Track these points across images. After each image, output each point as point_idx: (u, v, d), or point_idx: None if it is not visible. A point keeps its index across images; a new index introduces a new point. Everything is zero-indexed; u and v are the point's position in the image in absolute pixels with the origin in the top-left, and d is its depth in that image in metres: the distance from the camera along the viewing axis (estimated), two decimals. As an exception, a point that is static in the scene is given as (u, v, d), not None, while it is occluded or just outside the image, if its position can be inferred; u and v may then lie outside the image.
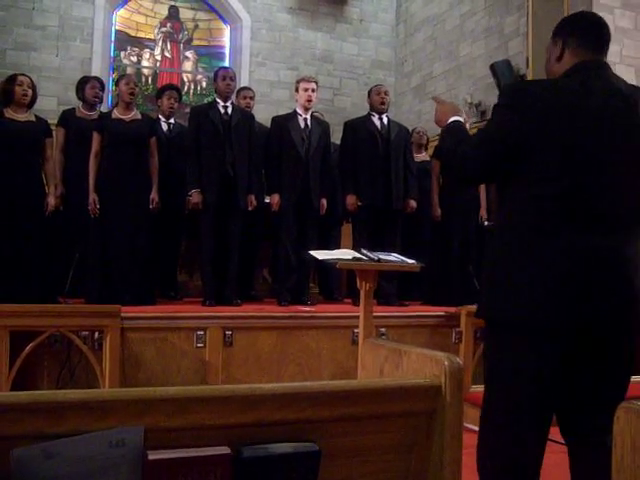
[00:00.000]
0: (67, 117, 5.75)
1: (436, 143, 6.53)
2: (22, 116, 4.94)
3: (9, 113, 4.91)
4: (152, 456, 1.15)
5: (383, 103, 5.78)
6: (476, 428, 2.07)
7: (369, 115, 5.83)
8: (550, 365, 1.97)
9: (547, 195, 1.97)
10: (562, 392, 2.04)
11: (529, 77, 5.87)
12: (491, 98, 7.04)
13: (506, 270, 2.04)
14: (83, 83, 5.95)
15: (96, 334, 4.00)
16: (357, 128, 5.76)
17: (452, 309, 5.00)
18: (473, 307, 4.94)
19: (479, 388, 3.11)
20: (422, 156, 6.51)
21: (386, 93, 5.86)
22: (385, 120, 5.79)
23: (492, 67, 2.52)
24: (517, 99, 2.06)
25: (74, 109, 5.87)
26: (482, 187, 6.11)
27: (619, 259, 1.98)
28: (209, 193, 5.16)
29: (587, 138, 1.97)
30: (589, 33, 2.15)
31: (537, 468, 2.05)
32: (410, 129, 6.48)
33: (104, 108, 6.72)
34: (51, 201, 4.97)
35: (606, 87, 2.04)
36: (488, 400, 2.08)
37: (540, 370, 1.97)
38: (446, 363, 1.41)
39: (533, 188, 1.99)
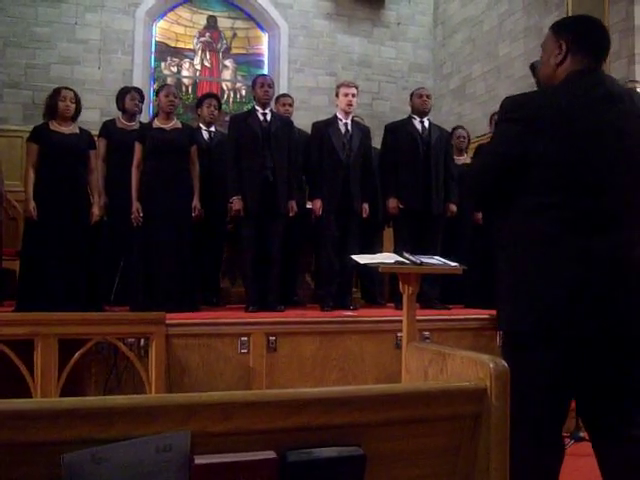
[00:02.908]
0: (108, 128, 5.84)
1: (476, 145, 6.49)
2: (67, 129, 5.02)
3: (54, 126, 5.00)
4: (198, 461, 1.16)
5: (425, 106, 5.75)
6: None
7: (410, 118, 5.80)
8: (568, 367, 1.99)
9: (549, 204, 2.00)
10: (581, 391, 2.06)
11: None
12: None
13: (516, 282, 2.08)
14: (123, 94, 6.04)
15: (142, 341, 4.05)
16: (398, 131, 5.74)
17: (495, 311, 4.94)
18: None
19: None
20: (463, 159, 6.45)
21: (428, 96, 5.82)
22: (426, 123, 5.75)
23: (532, 66, 2.51)
24: (518, 112, 2.08)
25: (114, 120, 5.96)
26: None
27: (628, 259, 1.99)
28: (250, 200, 5.19)
29: (587, 147, 1.99)
30: (592, 40, 2.16)
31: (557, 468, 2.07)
32: (450, 130, 6.44)
33: (145, 118, 6.82)
34: (96, 211, 5.04)
35: (604, 94, 2.05)
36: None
37: (558, 373, 2.00)
38: (491, 366, 1.39)
39: (536, 198, 2.02)
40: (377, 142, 6.07)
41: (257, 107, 5.42)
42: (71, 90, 5.14)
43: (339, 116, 5.66)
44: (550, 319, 1.98)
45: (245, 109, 8.44)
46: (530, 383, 2.00)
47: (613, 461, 2.03)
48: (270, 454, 1.21)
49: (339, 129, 5.60)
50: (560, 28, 2.21)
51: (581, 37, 2.15)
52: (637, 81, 6.10)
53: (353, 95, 5.63)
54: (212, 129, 6.05)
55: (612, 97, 2.04)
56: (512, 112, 2.11)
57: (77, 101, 5.11)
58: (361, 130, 5.76)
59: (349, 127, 5.64)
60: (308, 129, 5.85)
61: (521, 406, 2.05)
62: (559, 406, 2.06)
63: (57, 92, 5.08)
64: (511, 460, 2.04)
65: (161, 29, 9.39)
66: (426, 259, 3.20)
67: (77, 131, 5.09)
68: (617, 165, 2.00)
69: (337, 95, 5.72)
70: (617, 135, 2.01)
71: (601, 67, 2.15)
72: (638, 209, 2.03)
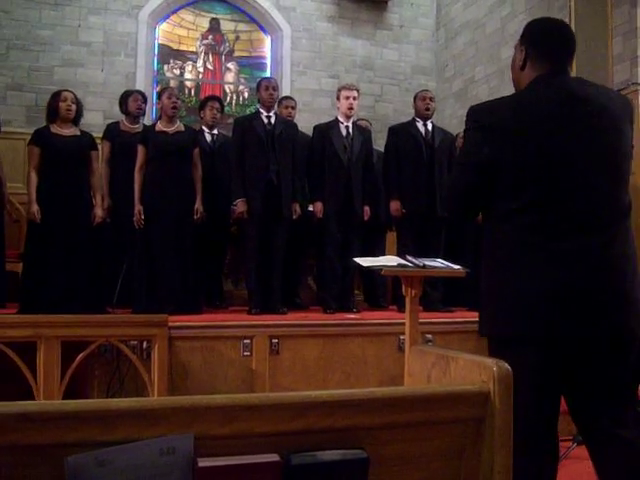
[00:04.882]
0: (112, 130, 5.85)
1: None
2: (67, 131, 5.03)
3: (55, 128, 5.01)
4: (202, 463, 1.16)
5: (428, 109, 5.75)
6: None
7: (414, 120, 5.80)
8: (551, 370, 1.99)
9: (518, 209, 2.00)
10: (570, 393, 2.06)
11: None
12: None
13: (493, 287, 2.10)
14: (126, 97, 6.05)
15: (144, 343, 4.05)
16: (401, 133, 5.74)
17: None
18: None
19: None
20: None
21: (431, 99, 5.82)
22: (430, 126, 5.75)
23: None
24: (483, 119, 2.09)
25: (118, 123, 5.97)
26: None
27: (606, 258, 1.98)
28: (254, 202, 5.20)
29: (553, 150, 1.98)
30: (550, 44, 2.16)
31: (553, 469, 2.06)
32: (455, 134, 6.42)
33: (148, 121, 6.83)
34: (98, 213, 5.05)
35: (567, 97, 2.04)
36: None
37: (541, 376, 1.99)
38: (495, 369, 1.39)
39: (508, 203, 2.02)
40: (380, 144, 6.06)
41: (261, 110, 5.43)
42: (71, 92, 5.16)
43: (340, 119, 5.67)
44: (527, 323, 1.98)
45: (247, 112, 8.44)
46: (516, 387, 1.99)
47: (605, 462, 2.02)
48: (273, 457, 1.21)
49: (340, 132, 5.61)
50: (523, 33, 2.23)
51: (537, 44, 2.16)
52: (640, 84, 6.09)
53: (354, 98, 5.63)
54: (215, 132, 6.05)
55: (577, 99, 2.03)
56: (476, 120, 2.11)
57: (77, 103, 5.12)
58: (362, 133, 5.76)
59: (350, 130, 5.64)
60: (311, 132, 5.85)
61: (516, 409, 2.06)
62: (546, 409, 2.05)
63: (57, 94, 5.11)
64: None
65: (164, 32, 9.39)
66: (429, 262, 3.20)
67: (78, 133, 5.10)
68: (587, 166, 1.99)
69: (338, 98, 5.73)
70: (584, 137, 2.00)
71: (566, 70, 2.14)
72: (613, 209, 2.02)
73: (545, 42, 2.16)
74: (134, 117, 5.95)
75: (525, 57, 2.17)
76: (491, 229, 2.11)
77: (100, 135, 5.79)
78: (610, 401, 2.01)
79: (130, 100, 5.96)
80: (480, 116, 2.11)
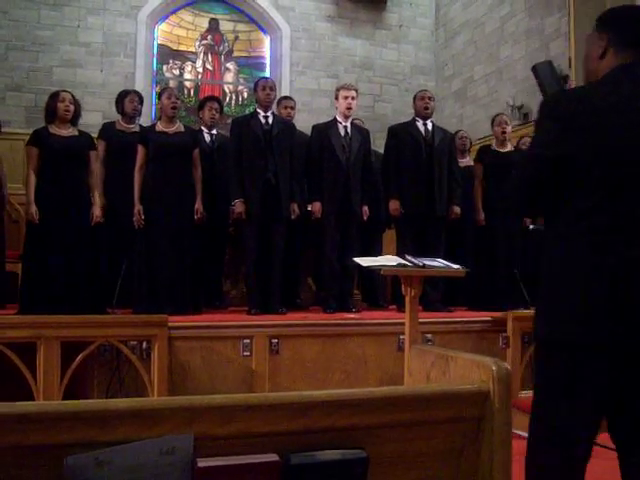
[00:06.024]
0: (108, 130, 5.83)
1: (478, 147, 6.48)
2: (66, 131, 5.03)
3: (53, 129, 5.01)
4: (202, 464, 1.16)
5: (427, 108, 5.75)
6: (525, 434, 2.03)
7: (414, 120, 5.80)
8: (605, 380, 1.88)
9: (593, 209, 1.87)
10: (614, 404, 1.95)
11: (572, 77, 5.80)
12: (533, 100, 6.96)
13: (558, 288, 1.96)
14: (122, 97, 6.03)
15: (144, 344, 4.05)
16: (401, 133, 5.74)
17: (498, 314, 4.94)
18: (520, 311, 4.89)
19: (528, 393, 3.05)
20: (465, 161, 6.45)
21: (430, 99, 5.81)
22: (429, 126, 5.75)
23: (534, 69, 2.48)
24: (557, 110, 1.97)
25: (114, 122, 5.96)
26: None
27: None
28: (252, 203, 5.19)
29: (631, 147, 1.87)
30: (635, 31, 2.03)
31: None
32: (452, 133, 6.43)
33: (146, 122, 6.82)
34: (96, 212, 5.03)
35: None
36: (539, 415, 2.02)
37: (595, 386, 1.89)
38: (494, 368, 1.39)
39: (580, 202, 1.90)
40: (379, 144, 6.06)
41: (259, 110, 5.42)
42: (69, 92, 5.16)
43: (339, 119, 5.66)
44: (591, 330, 1.87)
45: (247, 112, 8.44)
46: (568, 395, 1.90)
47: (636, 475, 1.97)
48: (273, 457, 1.21)
49: (339, 132, 5.60)
50: (602, 21, 2.10)
51: (622, 31, 2.03)
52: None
53: (353, 98, 5.62)
54: (214, 132, 6.04)
55: None
56: (551, 110, 2.00)
57: (76, 103, 5.12)
58: (360, 133, 5.75)
59: (349, 130, 5.64)
60: (309, 132, 5.85)
61: (554, 418, 1.96)
62: (594, 421, 1.95)
63: (56, 95, 5.10)
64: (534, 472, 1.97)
65: (163, 32, 9.40)
66: (429, 261, 3.20)
67: (76, 133, 5.09)
68: None
69: (337, 98, 5.72)
70: None
71: None
72: None
73: (632, 29, 2.03)
74: (130, 117, 5.94)
75: (607, 44, 2.03)
76: (557, 229, 1.99)
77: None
78: None
79: (126, 100, 5.95)
80: (554, 106, 2.00)
